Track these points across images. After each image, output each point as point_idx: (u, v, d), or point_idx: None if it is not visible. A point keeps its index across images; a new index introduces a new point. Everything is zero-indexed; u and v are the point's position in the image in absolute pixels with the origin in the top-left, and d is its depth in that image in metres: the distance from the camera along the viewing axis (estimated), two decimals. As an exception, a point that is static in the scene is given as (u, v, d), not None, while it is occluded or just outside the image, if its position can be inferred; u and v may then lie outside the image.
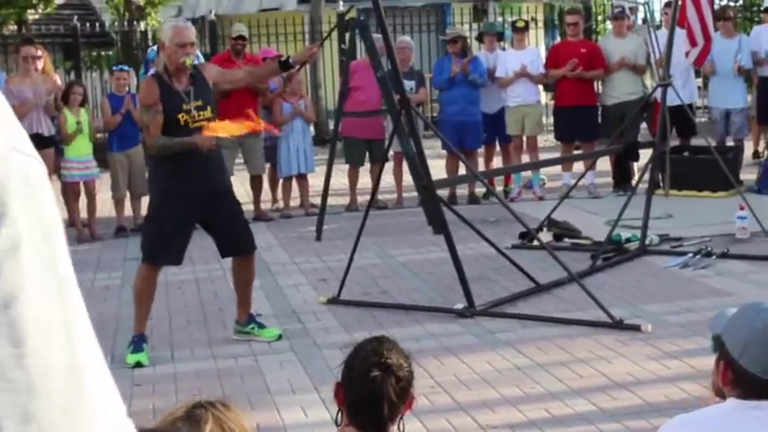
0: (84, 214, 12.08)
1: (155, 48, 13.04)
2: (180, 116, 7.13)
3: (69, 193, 12.07)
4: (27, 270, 0.95)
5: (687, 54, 12.16)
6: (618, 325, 7.35)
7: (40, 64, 12.26)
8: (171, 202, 7.13)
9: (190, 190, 7.09)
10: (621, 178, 13.36)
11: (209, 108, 7.26)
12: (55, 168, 11.96)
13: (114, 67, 13.42)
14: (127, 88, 12.50)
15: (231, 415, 2.41)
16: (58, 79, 13.22)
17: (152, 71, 8.79)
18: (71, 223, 12.04)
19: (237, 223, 7.41)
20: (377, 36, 9.73)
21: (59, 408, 0.95)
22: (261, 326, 7.65)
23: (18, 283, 0.94)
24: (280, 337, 7.59)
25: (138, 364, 7.08)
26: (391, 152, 12.12)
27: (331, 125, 14.87)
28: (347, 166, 13.33)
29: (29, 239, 0.95)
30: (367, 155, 13.08)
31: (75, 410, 0.96)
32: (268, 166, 13.05)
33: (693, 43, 12.73)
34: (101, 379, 1.00)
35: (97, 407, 0.98)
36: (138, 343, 7.22)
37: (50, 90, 12.07)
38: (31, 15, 24.02)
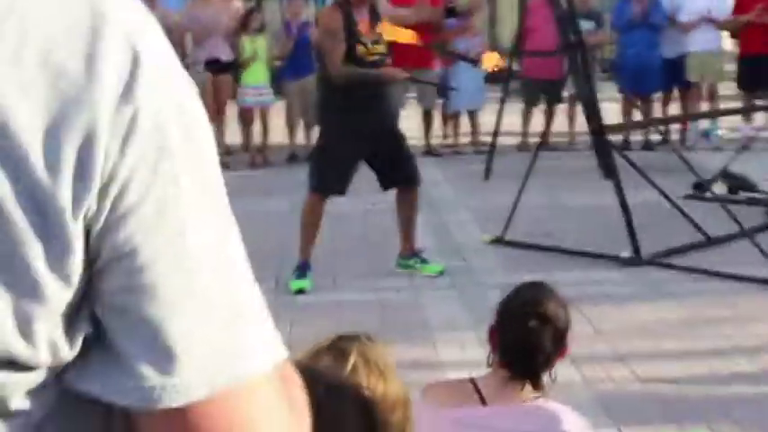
0: (257, 140, 12.29)
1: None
2: (358, 48, 7.16)
3: (245, 118, 12.30)
4: (190, 203, 0.97)
5: None
6: (789, 283, 7.12)
7: (221, -11, 12.44)
8: (341, 134, 7.19)
9: (360, 123, 7.13)
10: (805, 132, 12.86)
11: (382, 43, 7.29)
12: (232, 94, 12.20)
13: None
14: (305, 17, 12.60)
15: (375, 349, 2.42)
16: (239, 5, 13.39)
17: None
18: (245, 148, 12.29)
19: (402, 156, 7.44)
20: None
21: (222, 328, 0.99)
22: (424, 260, 7.68)
23: (183, 216, 0.97)
24: (442, 272, 7.60)
25: (301, 291, 7.20)
26: (566, 93, 11.96)
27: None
28: (521, 106, 13.18)
29: (187, 170, 0.97)
30: (543, 95, 12.91)
31: (234, 328, 1.00)
32: (440, 101, 13.02)
33: None
34: (253, 297, 1.03)
35: (252, 323, 1.02)
36: (302, 269, 7.34)
37: (231, 15, 12.24)
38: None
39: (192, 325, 0.97)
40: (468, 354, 5.96)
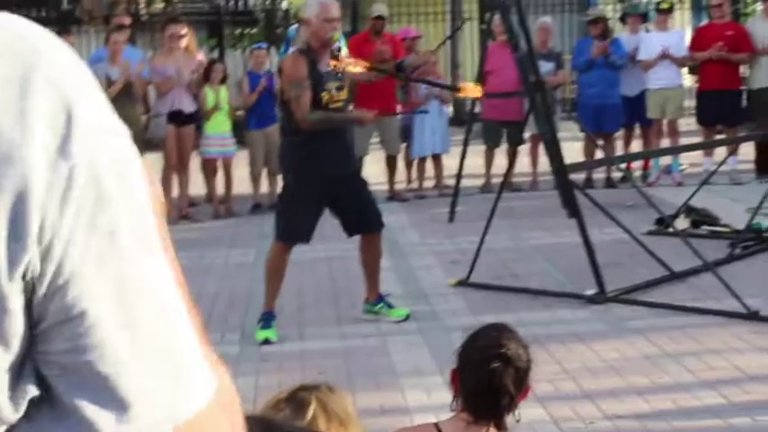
0: (221, 190, 12.29)
1: (294, 27, 13.19)
2: (323, 95, 7.18)
3: (208, 169, 12.29)
4: (129, 255, 0.96)
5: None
6: (753, 316, 7.15)
7: (184, 42, 12.45)
8: (304, 181, 7.19)
9: (323, 170, 7.14)
10: (765, 164, 12.98)
11: (345, 90, 7.32)
12: (195, 145, 12.20)
13: (253, 46, 13.60)
14: (267, 66, 12.64)
15: (335, 398, 2.42)
16: (202, 57, 13.41)
17: (294, 48, 8.84)
18: (209, 199, 12.28)
19: (365, 201, 7.46)
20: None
21: (168, 374, 0.99)
22: (390, 305, 7.68)
23: (123, 269, 0.96)
24: (408, 317, 7.60)
25: (267, 341, 7.17)
26: (528, 134, 12.03)
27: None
28: (483, 147, 13.24)
29: (125, 223, 0.96)
30: (505, 137, 12.98)
31: (179, 371, 1.00)
32: (404, 146, 13.05)
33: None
34: (191, 336, 1.03)
35: (192, 362, 1.02)
36: (267, 319, 7.32)
37: (193, 68, 12.26)
38: (178, -6, 24.44)
39: (140, 375, 0.96)
40: (435, 398, 5.94)
